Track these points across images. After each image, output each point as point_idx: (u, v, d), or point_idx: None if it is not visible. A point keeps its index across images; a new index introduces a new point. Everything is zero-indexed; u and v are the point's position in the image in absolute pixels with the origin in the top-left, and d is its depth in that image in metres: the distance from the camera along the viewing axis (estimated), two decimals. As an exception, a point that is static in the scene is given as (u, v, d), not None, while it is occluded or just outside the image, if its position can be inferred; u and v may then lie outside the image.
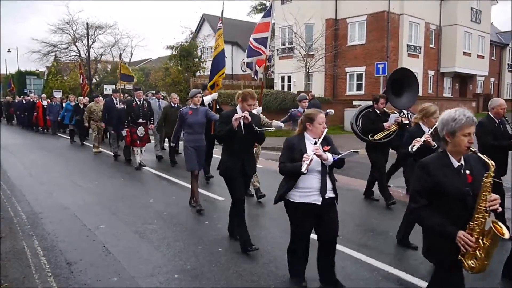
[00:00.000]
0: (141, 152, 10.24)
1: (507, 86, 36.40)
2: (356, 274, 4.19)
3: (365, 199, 7.18)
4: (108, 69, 37.51)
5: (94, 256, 4.60)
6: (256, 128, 4.71)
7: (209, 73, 8.54)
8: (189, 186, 8.01)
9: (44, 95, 20.91)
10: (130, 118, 9.85)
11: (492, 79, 34.15)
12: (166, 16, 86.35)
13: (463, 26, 26.87)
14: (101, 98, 13.04)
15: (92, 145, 13.05)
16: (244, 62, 7.92)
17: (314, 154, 3.47)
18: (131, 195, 7.54)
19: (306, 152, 3.54)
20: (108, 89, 26.01)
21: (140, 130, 9.88)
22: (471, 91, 30.42)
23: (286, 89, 26.33)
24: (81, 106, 14.43)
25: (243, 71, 35.35)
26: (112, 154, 11.77)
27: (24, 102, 21.44)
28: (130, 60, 40.25)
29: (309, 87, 22.48)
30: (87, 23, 33.08)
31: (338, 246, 4.12)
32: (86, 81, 20.77)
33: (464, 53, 27.47)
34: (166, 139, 11.45)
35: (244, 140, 4.76)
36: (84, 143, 14.79)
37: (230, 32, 34.70)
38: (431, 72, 26.78)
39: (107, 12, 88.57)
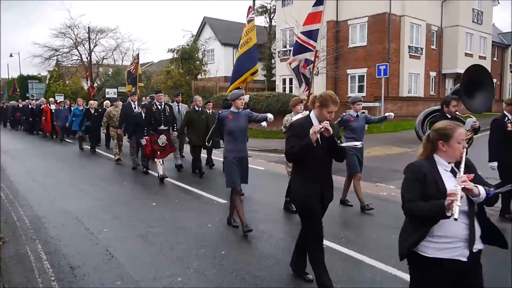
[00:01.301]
0: (162, 162, 8.93)
1: (509, 87, 36.34)
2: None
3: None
4: (110, 73, 37.64)
5: (97, 260, 4.60)
6: (340, 142, 3.74)
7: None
8: (194, 190, 8.06)
9: (52, 99, 20.04)
10: (150, 125, 8.76)
11: (494, 80, 34.05)
12: (167, 20, 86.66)
13: (464, 27, 26.86)
14: (120, 102, 12.25)
15: (113, 154, 11.94)
16: (290, 66, 7.00)
17: (462, 188, 2.32)
18: (134, 199, 7.54)
19: (443, 185, 2.47)
20: (110, 92, 26.10)
21: (162, 139, 8.71)
22: (473, 92, 30.39)
23: (287, 91, 26.35)
24: (92, 111, 13.57)
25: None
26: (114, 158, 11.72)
27: (31, 106, 20.62)
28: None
29: (311, 89, 22.48)
30: (88, 27, 33.37)
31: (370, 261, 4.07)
32: (92, 84, 20.22)
33: (466, 54, 27.44)
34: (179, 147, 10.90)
35: (323, 158, 3.71)
36: (96, 150, 13.71)
37: (230, 35, 34.79)
38: (432, 74, 26.76)
39: (109, 16, 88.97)
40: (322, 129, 3.48)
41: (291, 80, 26.66)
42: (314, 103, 3.76)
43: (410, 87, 24.71)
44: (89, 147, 13.90)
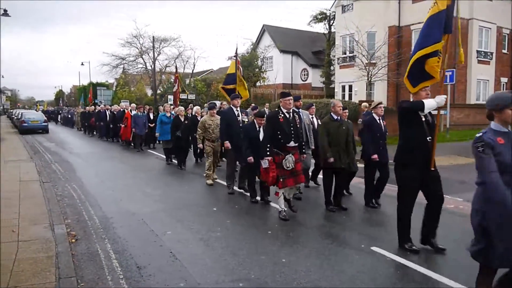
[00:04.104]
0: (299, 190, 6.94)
1: None
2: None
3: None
4: (172, 80, 39.03)
5: (161, 261, 4.75)
6: None
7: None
8: (248, 194, 8.08)
9: (133, 105, 18.38)
10: (275, 140, 6.40)
11: None
12: (227, 28, 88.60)
13: (540, 29, 25.09)
14: (215, 110, 9.76)
15: (205, 174, 9.52)
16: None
17: None
18: (195, 203, 7.71)
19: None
20: (172, 99, 26.99)
21: (289, 161, 6.27)
22: (550, 99, 28.18)
23: (347, 98, 25.91)
24: (182, 119, 11.64)
25: (303, 80, 35.31)
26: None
27: (112, 111, 19.48)
28: (192, 71, 41.69)
29: (371, 96, 22.01)
30: (153, 37, 34.81)
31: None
32: (179, 89, 18.60)
33: (541, 58, 25.61)
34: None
35: None
36: (185, 167, 11.68)
37: (289, 42, 34.92)
38: (503, 79, 25.19)
39: (172, 26, 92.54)
40: None
41: (350, 87, 26.21)
42: None
43: (479, 94, 23.42)
44: (175, 161, 12.26)
